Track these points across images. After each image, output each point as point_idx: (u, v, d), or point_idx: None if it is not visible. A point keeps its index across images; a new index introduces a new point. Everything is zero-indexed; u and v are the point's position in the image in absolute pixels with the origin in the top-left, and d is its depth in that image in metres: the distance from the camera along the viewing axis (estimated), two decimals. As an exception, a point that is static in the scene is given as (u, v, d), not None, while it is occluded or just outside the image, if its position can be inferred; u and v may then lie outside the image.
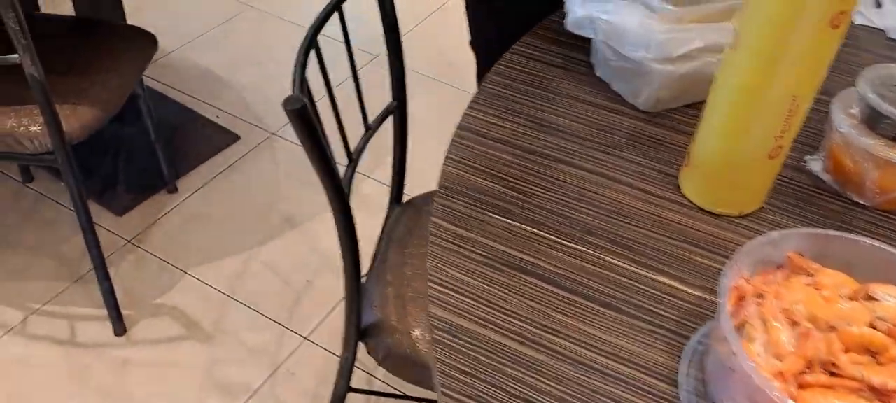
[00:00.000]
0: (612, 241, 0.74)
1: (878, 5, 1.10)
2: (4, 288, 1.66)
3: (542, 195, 0.78)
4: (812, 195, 0.81)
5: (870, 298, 0.60)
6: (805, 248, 0.63)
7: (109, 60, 1.52)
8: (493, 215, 0.76)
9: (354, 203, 0.96)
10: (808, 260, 0.62)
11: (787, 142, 0.71)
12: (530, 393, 0.61)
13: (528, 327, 0.66)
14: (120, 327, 1.58)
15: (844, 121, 0.78)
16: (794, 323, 0.57)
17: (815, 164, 0.83)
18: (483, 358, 0.64)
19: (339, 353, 1.10)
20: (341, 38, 1.07)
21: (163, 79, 2.24)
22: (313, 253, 1.78)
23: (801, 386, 0.55)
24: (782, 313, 0.57)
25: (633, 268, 0.71)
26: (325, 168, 0.86)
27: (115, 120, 1.47)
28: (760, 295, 0.59)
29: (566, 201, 0.78)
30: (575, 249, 0.73)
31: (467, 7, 1.28)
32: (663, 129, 0.88)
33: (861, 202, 0.79)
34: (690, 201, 0.78)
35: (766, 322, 0.57)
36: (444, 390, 0.61)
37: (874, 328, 0.57)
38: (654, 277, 0.71)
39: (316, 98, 0.92)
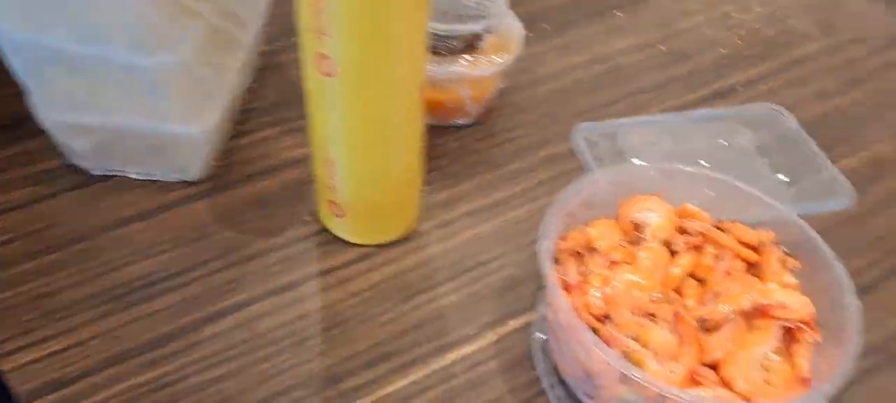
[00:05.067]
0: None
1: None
2: None
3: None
4: (441, 146, 0.74)
5: (637, 227, 0.53)
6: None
7: None
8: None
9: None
10: (574, 237, 0.54)
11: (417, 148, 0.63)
12: None
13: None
14: None
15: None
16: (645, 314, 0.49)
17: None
18: None
19: None
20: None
21: None
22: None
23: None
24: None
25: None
26: None
27: None
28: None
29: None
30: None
31: None
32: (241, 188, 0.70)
33: (463, 122, 0.76)
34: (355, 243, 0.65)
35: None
36: None
37: (672, 249, 0.53)
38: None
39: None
